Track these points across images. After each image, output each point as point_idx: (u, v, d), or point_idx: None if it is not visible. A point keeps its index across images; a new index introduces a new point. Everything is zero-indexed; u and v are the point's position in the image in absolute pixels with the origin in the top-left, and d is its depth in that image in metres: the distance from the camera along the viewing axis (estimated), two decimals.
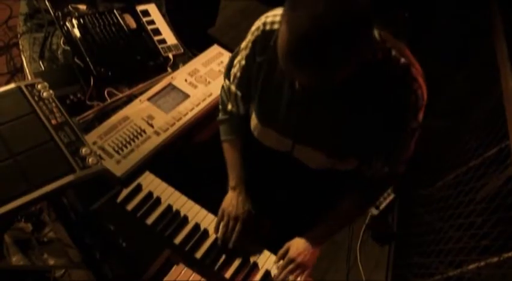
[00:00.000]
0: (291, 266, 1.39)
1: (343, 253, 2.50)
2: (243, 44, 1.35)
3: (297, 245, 1.42)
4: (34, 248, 1.57)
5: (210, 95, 1.76)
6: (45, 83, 1.38)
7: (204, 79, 1.81)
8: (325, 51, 0.93)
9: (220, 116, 1.55)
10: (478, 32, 2.50)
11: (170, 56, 1.94)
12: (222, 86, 1.52)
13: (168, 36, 2.01)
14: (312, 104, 1.23)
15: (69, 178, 1.19)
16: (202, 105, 1.73)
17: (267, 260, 1.45)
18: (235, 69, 1.41)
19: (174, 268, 1.30)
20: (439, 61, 2.59)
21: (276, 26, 1.21)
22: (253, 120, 1.43)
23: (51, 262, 1.56)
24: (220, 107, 1.55)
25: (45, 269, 1.59)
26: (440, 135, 2.77)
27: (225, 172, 1.60)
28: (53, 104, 1.34)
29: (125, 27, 1.95)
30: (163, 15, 2.09)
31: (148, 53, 1.91)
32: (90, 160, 1.24)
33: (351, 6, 0.91)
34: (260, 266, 1.43)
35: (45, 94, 1.35)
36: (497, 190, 2.09)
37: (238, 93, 1.44)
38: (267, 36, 1.23)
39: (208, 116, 1.78)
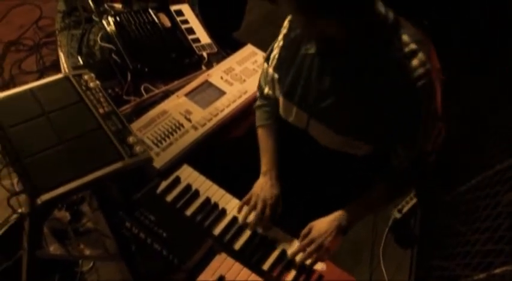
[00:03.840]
0: (312, 247, 1.38)
1: (366, 256, 2.50)
2: (284, 24, 1.42)
3: (320, 226, 1.41)
4: (70, 238, 1.59)
5: (245, 92, 1.79)
6: (92, 74, 1.41)
7: (239, 77, 1.83)
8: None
9: (257, 102, 1.61)
10: (501, 37, 2.52)
11: (204, 54, 1.97)
12: (262, 70, 1.57)
13: (202, 35, 2.04)
14: (328, 81, 1.28)
15: (118, 164, 1.22)
16: (238, 102, 1.75)
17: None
18: (274, 52, 1.47)
19: (216, 257, 1.31)
20: (459, 67, 2.61)
21: None
22: (281, 96, 1.47)
23: (87, 252, 1.58)
24: (257, 94, 1.61)
25: (82, 258, 1.60)
26: (459, 141, 2.78)
27: (259, 164, 1.62)
28: (100, 94, 1.37)
29: (159, 25, 1.98)
30: (196, 16, 2.12)
31: (183, 51, 1.94)
32: (137, 148, 1.27)
33: None
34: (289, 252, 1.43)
35: (91, 84, 1.38)
36: None
37: (276, 76, 1.47)
38: None
39: (244, 113, 1.80)
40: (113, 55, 1.87)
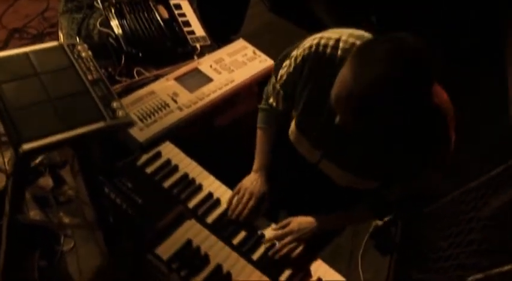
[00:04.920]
0: (288, 238, 1.45)
1: (345, 259, 2.53)
2: (295, 53, 1.42)
3: (300, 221, 1.49)
4: (51, 206, 1.64)
5: (232, 81, 1.86)
6: (85, 45, 1.48)
7: (228, 67, 1.91)
8: (381, 110, 1.04)
9: (262, 104, 1.64)
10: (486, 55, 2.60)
11: (198, 46, 2.06)
12: (270, 80, 1.61)
13: (197, 28, 2.13)
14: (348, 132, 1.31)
15: (100, 124, 1.28)
16: (224, 89, 1.83)
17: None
18: (282, 71, 1.50)
19: (186, 222, 1.36)
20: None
21: (328, 50, 1.28)
22: (292, 126, 1.50)
23: (66, 220, 1.63)
24: (264, 96, 1.65)
25: (61, 226, 1.65)
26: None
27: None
28: (91, 63, 1.44)
29: (157, 16, 2.08)
30: (194, 11, 2.22)
31: (177, 41, 2.03)
32: (120, 113, 1.33)
33: (419, 73, 1.01)
34: (266, 239, 1.48)
35: (84, 54, 1.45)
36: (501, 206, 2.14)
37: (281, 92, 1.52)
38: (318, 57, 1.31)
39: (230, 102, 1.88)
40: (110, 39, 1.95)
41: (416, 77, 1.01)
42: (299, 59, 1.38)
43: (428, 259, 2.42)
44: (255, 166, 1.62)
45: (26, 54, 1.38)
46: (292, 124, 1.50)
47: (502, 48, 2.52)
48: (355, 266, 2.51)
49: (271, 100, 1.59)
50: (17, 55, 1.38)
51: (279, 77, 1.52)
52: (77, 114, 1.28)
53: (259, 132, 1.65)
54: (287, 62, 1.47)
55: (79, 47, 1.47)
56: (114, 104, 1.35)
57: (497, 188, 2.19)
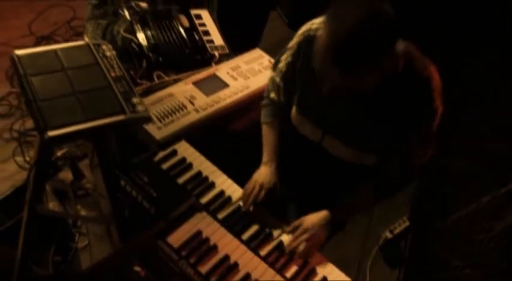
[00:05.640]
0: (304, 236, 1.48)
1: (353, 270, 2.53)
2: (290, 44, 1.57)
3: (312, 219, 1.53)
4: (70, 199, 1.71)
5: (248, 87, 1.94)
6: (110, 45, 1.57)
7: (244, 74, 1.99)
8: (352, 58, 1.15)
9: (264, 101, 1.74)
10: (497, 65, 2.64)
11: (216, 54, 2.14)
12: (270, 76, 1.72)
13: (217, 38, 2.22)
14: (342, 102, 1.42)
15: (120, 117, 1.36)
16: (240, 95, 1.91)
17: (282, 232, 1.54)
18: (281, 64, 1.61)
19: (196, 214, 1.42)
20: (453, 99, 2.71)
21: (319, 33, 1.36)
22: (294, 109, 1.61)
23: (83, 213, 1.69)
24: (265, 94, 1.75)
25: (78, 218, 1.71)
26: (458, 174, 2.86)
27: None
28: (114, 62, 1.52)
29: (178, 25, 2.18)
30: (214, 21, 2.31)
31: (197, 49, 2.12)
32: (139, 108, 1.41)
33: (382, 23, 1.14)
34: (275, 237, 1.52)
35: (108, 53, 1.54)
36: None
37: (281, 84, 1.64)
38: (310, 39, 1.43)
39: (245, 107, 1.94)
40: (133, 44, 2.05)
41: (382, 25, 1.14)
42: (295, 47, 1.53)
43: (436, 271, 2.42)
44: (264, 158, 1.68)
45: (54, 51, 1.48)
46: (294, 109, 1.61)
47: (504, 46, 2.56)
48: (363, 278, 2.52)
49: (272, 95, 1.69)
50: (46, 52, 1.47)
51: (278, 70, 1.63)
52: (99, 107, 1.36)
53: (264, 127, 1.73)
54: (285, 55, 1.60)
55: (104, 47, 1.56)
56: (134, 100, 1.43)
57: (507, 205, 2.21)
